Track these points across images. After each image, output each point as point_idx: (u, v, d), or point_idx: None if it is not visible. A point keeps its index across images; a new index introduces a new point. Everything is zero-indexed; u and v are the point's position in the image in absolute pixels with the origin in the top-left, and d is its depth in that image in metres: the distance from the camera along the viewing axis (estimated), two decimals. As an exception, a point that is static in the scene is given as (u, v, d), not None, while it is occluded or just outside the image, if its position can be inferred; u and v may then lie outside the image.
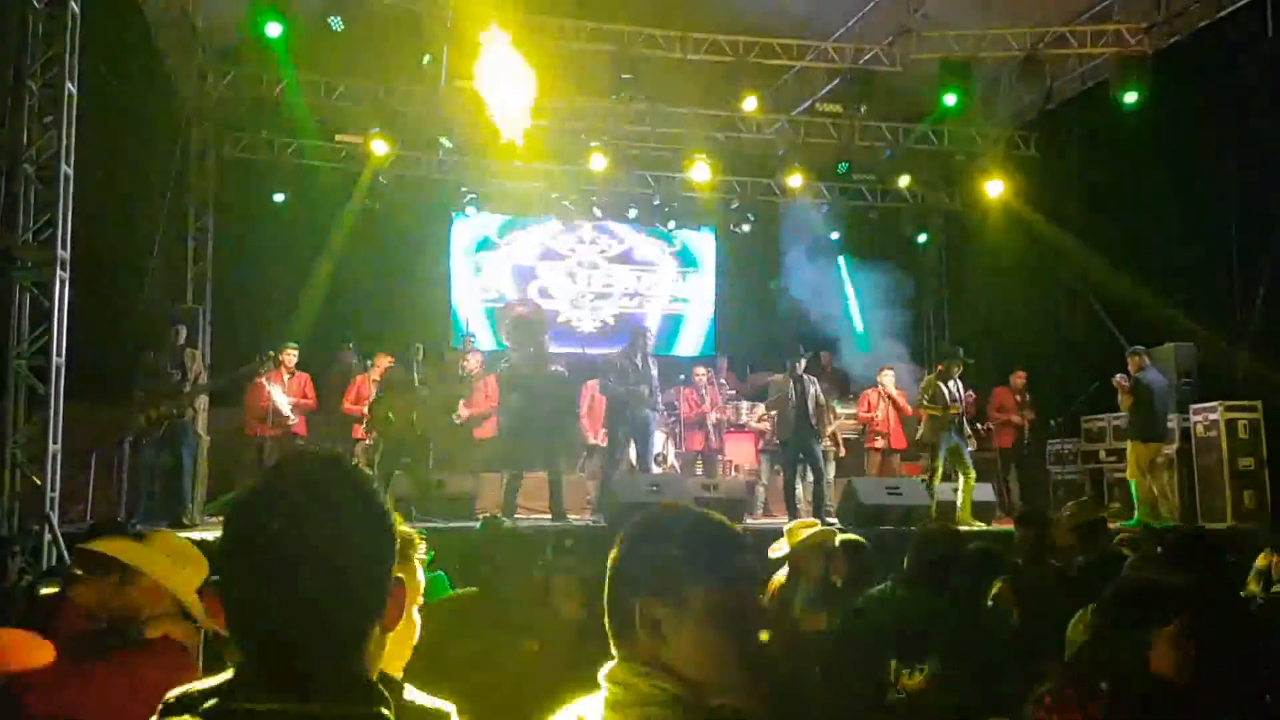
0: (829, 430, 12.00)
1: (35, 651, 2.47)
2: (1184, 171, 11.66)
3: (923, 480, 11.18)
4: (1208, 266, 11.68)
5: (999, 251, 14.36)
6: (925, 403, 11.09)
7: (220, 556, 1.34)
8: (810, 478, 10.98)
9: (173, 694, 1.36)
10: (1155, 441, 11.09)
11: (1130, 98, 11.97)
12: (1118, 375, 11.38)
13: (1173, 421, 11.54)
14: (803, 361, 10.74)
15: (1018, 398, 12.65)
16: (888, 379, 12.51)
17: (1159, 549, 4.98)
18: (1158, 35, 12.23)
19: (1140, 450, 11.05)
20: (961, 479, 10.69)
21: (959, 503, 10.58)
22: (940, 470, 10.75)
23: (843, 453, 12.81)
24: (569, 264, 16.48)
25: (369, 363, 11.99)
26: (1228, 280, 11.54)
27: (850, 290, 15.71)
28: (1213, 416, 11.25)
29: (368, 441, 11.10)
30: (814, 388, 10.72)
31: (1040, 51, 12.43)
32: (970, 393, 11.49)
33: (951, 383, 10.92)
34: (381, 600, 1.37)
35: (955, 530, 5.71)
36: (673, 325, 16.70)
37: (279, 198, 14.02)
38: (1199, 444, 11.35)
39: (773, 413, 11.49)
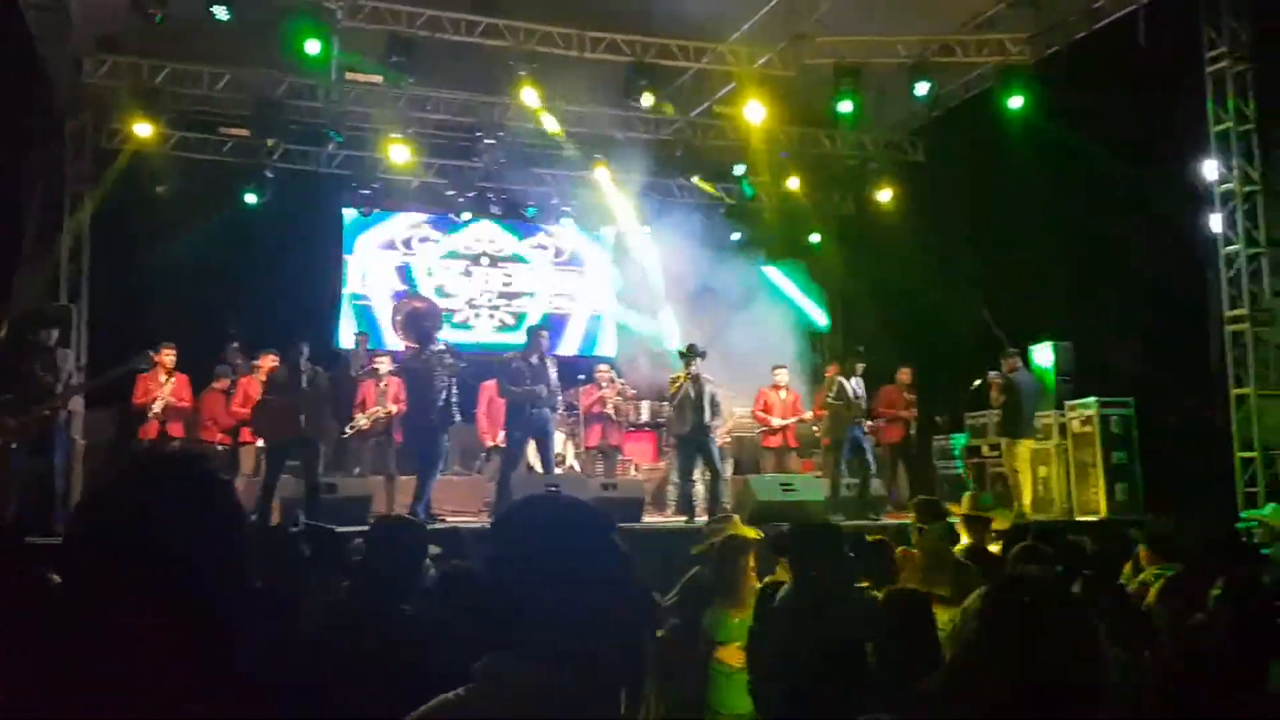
0: (724, 428, 12.12)
1: None
2: (1064, 176, 12.12)
3: (817, 476, 11.39)
4: (1083, 267, 12.14)
5: (889, 253, 14.71)
6: (829, 400, 11.33)
7: (67, 557, 1.30)
8: (707, 475, 11.07)
9: None
10: (1024, 438, 11.65)
11: (1014, 104, 12.39)
12: (991, 374, 11.89)
13: (1050, 418, 12.04)
14: (700, 359, 10.82)
15: (905, 394, 12.96)
16: (781, 376, 12.69)
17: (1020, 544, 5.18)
18: (1039, 45, 12.67)
19: (1011, 446, 11.64)
20: (860, 474, 10.96)
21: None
22: (842, 466, 10.97)
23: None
24: (465, 262, 16.31)
25: (254, 363, 11.65)
26: (1102, 280, 12.01)
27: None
28: (1088, 412, 11.73)
29: (257, 444, 10.81)
30: (710, 386, 10.81)
31: (928, 59, 12.75)
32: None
33: (853, 380, 11.15)
34: (231, 607, 1.32)
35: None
36: (579, 325, 16.69)
37: (159, 190, 13.52)
38: (1075, 439, 11.83)
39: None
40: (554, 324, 15.81)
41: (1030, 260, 12.71)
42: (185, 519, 1.30)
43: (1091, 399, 11.78)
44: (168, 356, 10.99)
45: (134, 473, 1.36)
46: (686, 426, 10.70)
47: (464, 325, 15.82)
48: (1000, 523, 7.22)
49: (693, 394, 10.65)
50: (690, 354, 10.87)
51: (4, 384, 8.97)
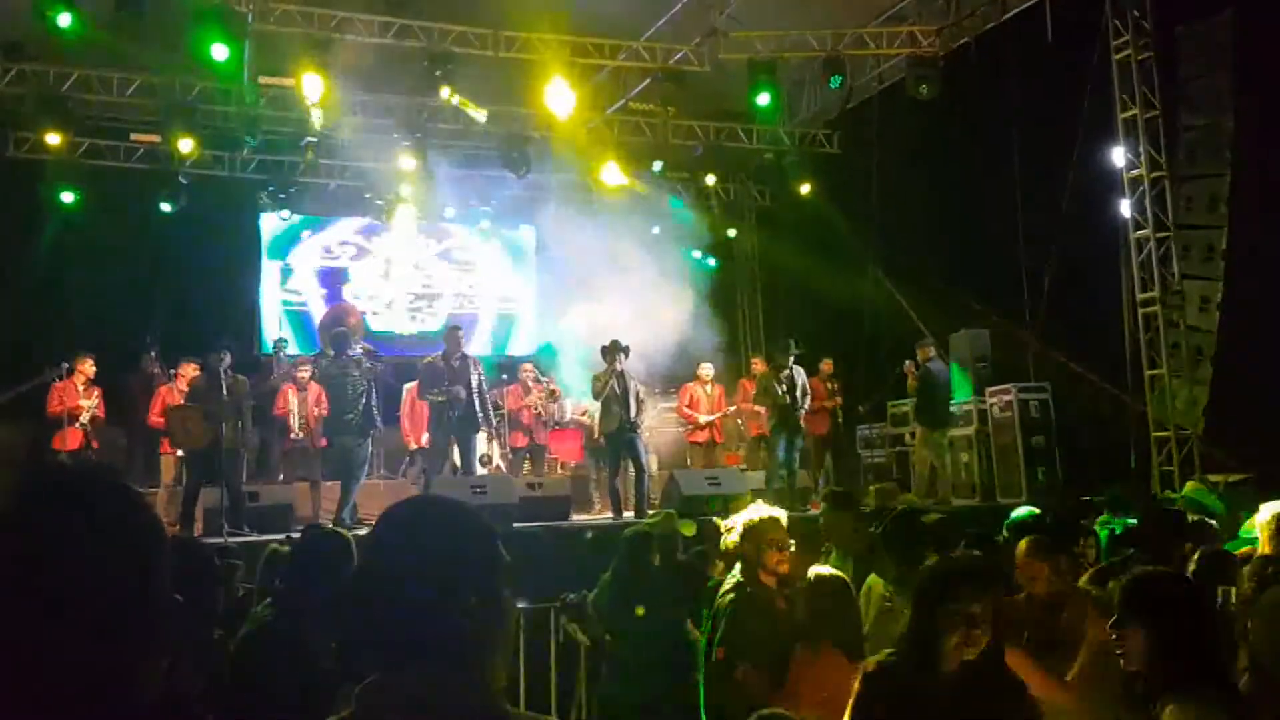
0: (646, 424, 12.19)
1: None
2: (974, 166, 12.38)
3: (741, 469, 11.50)
4: (998, 256, 12.41)
5: (807, 245, 14.90)
6: (759, 397, 11.46)
7: None
8: (632, 472, 11.12)
9: None
10: (940, 427, 11.90)
11: (922, 93, 12.61)
12: (906, 363, 12.14)
13: (970, 404, 12.31)
14: (623, 356, 10.85)
15: (827, 385, 13.13)
16: (706, 372, 12.79)
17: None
18: (948, 37, 12.91)
19: (926, 434, 11.90)
20: (788, 466, 11.10)
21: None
22: (779, 459, 11.09)
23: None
24: (383, 264, 16.17)
25: (172, 371, 11.43)
26: (1016, 269, 12.28)
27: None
28: (1006, 398, 11.99)
29: (177, 454, 10.63)
30: (634, 382, 10.86)
31: (840, 52, 12.92)
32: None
33: (785, 373, 11.25)
34: (144, 624, 1.31)
35: None
36: (501, 324, 16.65)
37: (68, 198, 13.21)
38: (995, 424, 12.09)
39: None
40: (468, 324, 15.79)
41: (947, 248, 12.97)
42: (99, 534, 1.28)
43: (1009, 385, 12.04)
44: (88, 367, 10.75)
45: (45, 487, 1.33)
46: (614, 423, 10.73)
47: (384, 331, 15.68)
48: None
49: (618, 390, 10.69)
50: (614, 350, 10.88)
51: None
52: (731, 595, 4.30)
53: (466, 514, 1.68)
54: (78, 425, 10.65)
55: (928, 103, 12.59)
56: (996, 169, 12.13)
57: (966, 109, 12.43)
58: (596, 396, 10.95)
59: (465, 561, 1.58)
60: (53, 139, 12.27)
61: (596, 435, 13.04)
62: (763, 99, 12.69)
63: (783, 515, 4.47)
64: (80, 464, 10.54)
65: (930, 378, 12.00)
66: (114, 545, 1.30)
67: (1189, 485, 9.15)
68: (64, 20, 10.23)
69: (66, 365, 10.35)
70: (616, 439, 10.75)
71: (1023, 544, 4.38)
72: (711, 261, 16.14)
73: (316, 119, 12.65)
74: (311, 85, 11.73)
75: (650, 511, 9.77)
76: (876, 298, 13.83)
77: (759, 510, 4.43)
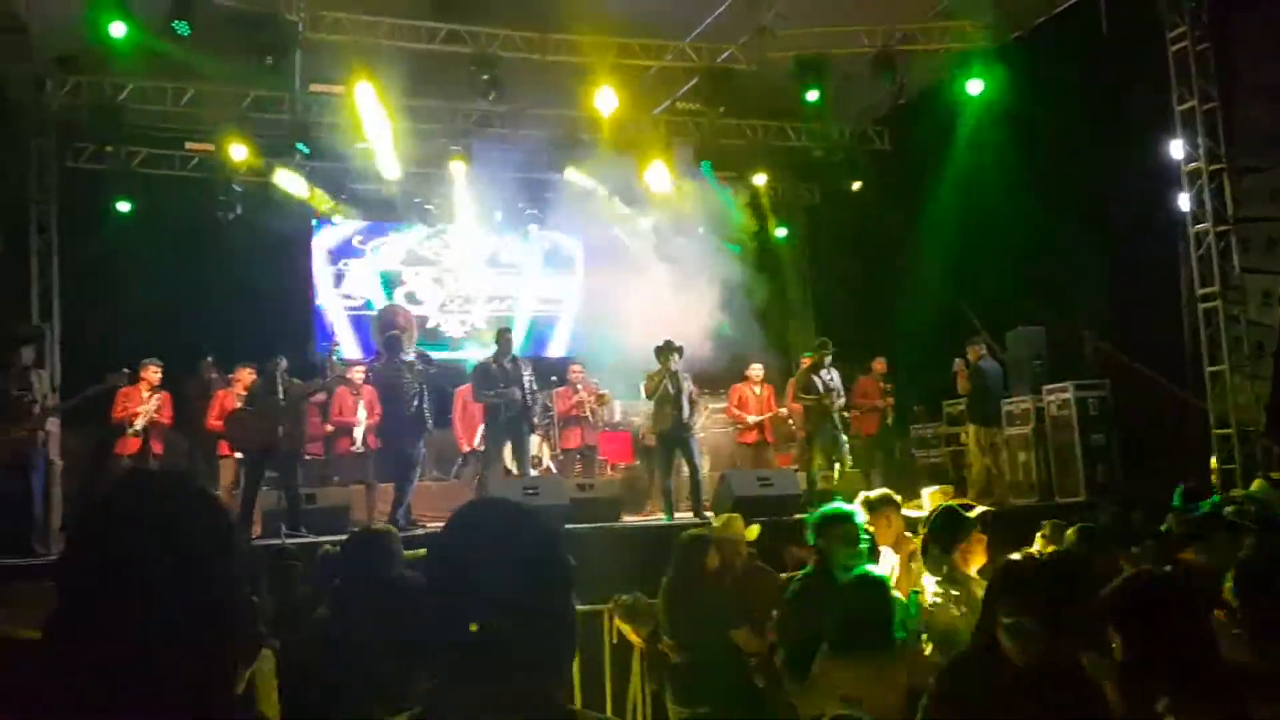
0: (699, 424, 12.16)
1: None
2: (1029, 161, 12.18)
3: (794, 470, 11.43)
4: (1055, 251, 12.22)
5: (857, 242, 14.78)
6: (799, 395, 11.38)
7: (60, 574, 1.30)
8: (685, 472, 11.10)
9: None
10: (991, 426, 11.75)
11: (975, 89, 12.46)
12: (957, 361, 12.01)
13: (1026, 403, 12.12)
14: (677, 356, 10.83)
15: (879, 384, 13.02)
16: (756, 372, 12.72)
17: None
18: (1000, 30, 12.74)
19: (979, 433, 11.76)
20: (838, 467, 10.99)
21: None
22: (817, 460, 11.00)
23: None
24: (435, 269, 16.30)
25: (230, 376, 11.61)
26: (1073, 264, 12.09)
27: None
28: (1064, 396, 11.80)
29: (235, 457, 10.78)
30: (688, 382, 10.83)
31: (891, 47, 12.80)
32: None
33: (823, 372, 11.17)
34: (228, 622, 1.32)
35: None
36: (546, 327, 16.68)
37: (124, 207, 13.46)
38: (1052, 423, 11.90)
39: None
40: (539, 327, 15.88)
41: (1001, 245, 12.80)
42: (180, 536, 1.30)
43: (1067, 382, 11.86)
44: (153, 373, 10.92)
45: (128, 490, 1.36)
46: (667, 423, 10.71)
47: (436, 331, 15.80)
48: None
49: (671, 390, 10.66)
50: (668, 350, 10.87)
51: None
52: (795, 587, 4.32)
53: (535, 520, 1.68)
54: (137, 430, 10.83)
55: (980, 98, 12.44)
56: (1052, 164, 11.94)
57: (1020, 103, 12.25)
58: (649, 396, 10.93)
59: (533, 567, 1.58)
60: (109, 149, 12.55)
61: (642, 436, 13.07)
62: (808, 96, 12.64)
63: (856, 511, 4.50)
64: (164, 468, 10.73)
65: (981, 376, 11.87)
66: (197, 546, 1.32)
67: (1256, 483, 8.95)
68: (117, 30, 10.43)
69: (129, 371, 10.52)
70: (670, 439, 10.72)
71: None
72: (762, 261, 16.04)
73: (367, 124, 12.80)
74: (363, 92, 11.88)
75: (707, 513, 9.75)
76: (929, 295, 13.66)
77: (836, 505, 4.47)
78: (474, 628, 1.52)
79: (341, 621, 3.97)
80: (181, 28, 10.66)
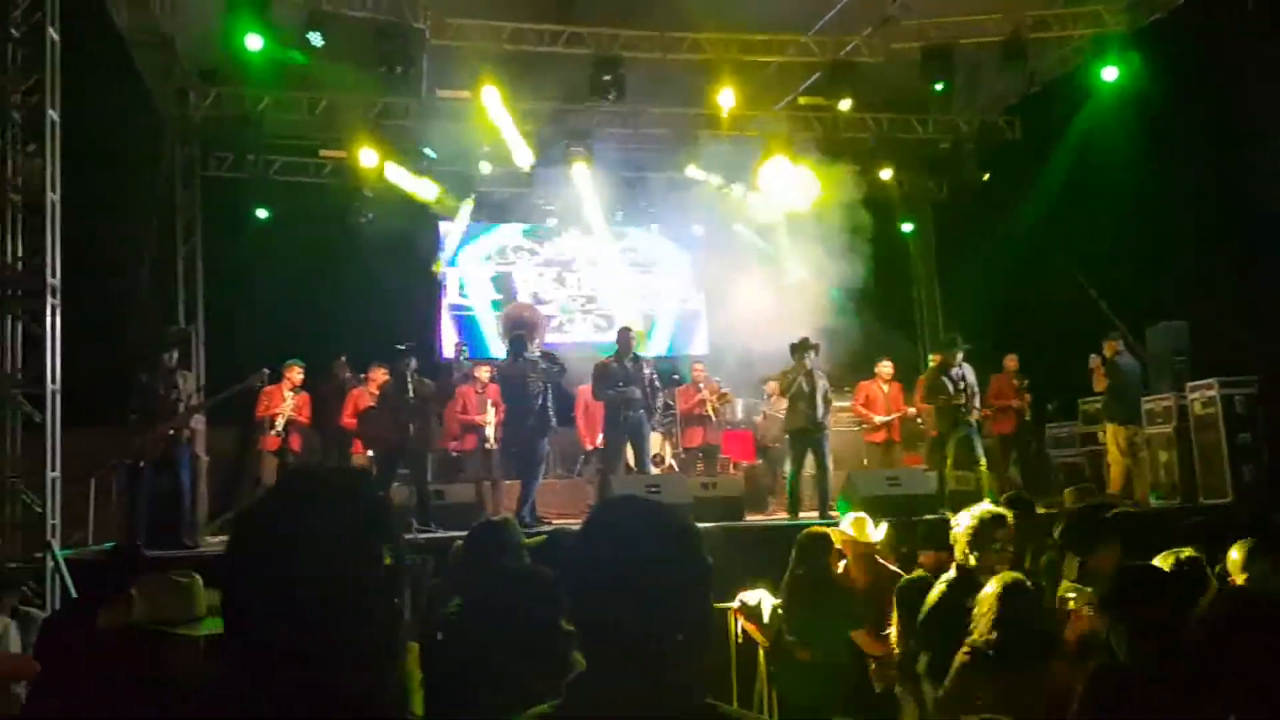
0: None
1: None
2: (1170, 148, 11.69)
3: (923, 470, 11.20)
4: (1197, 242, 11.70)
5: (988, 236, 14.40)
6: (927, 395, 11.14)
7: (224, 568, 1.33)
8: (812, 470, 10.97)
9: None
10: (1130, 424, 11.30)
11: (1110, 75, 12.03)
12: (1092, 357, 11.57)
13: (1169, 400, 11.63)
14: (813, 354, 10.73)
15: (1013, 382, 12.66)
16: (885, 370, 12.51)
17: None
18: (1138, 13, 12.26)
19: (1117, 432, 11.31)
20: (970, 467, 10.73)
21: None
22: (950, 461, 10.76)
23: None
24: (558, 269, 16.47)
25: (363, 376, 11.95)
26: (1218, 256, 11.56)
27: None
28: (1210, 393, 11.27)
29: (368, 454, 11.08)
30: (823, 380, 10.71)
31: (1021, 34, 12.44)
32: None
33: (954, 371, 10.90)
34: (390, 617, 1.35)
35: None
36: (671, 325, 16.70)
37: (262, 214, 13.98)
38: (1197, 421, 11.38)
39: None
40: (637, 324, 15.87)
41: (1140, 238, 12.31)
42: (342, 531, 1.34)
43: (1212, 379, 11.33)
44: (295, 374, 11.31)
45: (297, 487, 1.40)
46: (800, 421, 10.61)
47: (559, 330, 15.96)
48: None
49: (806, 388, 10.56)
50: (803, 347, 10.77)
51: (131, 405, 9.39)
52: (940, 591, 4.25)
53: (675, 517, 1.69)
54: (279, 429, 11.23)
55: (1115, 84, 11.99)
56: (1193, 151, 11.43)
57: (1159, 88, 11.76)
58: (784, 393, 10.82)
59: (674, 563, 1.59)
60: (249, 158, 13.07)
61: (762, 435, 12.97)
62: (937, 87, 12.39)
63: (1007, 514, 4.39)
64: (334, 467, 11.11)
65: (1119, 373, 11.43)
66: (361, 538, 1.34)
67: None
68: (254, 43, 10.83)
69: (270, 371, 10.91)
70: (802, 437, 10.61)
71: None
72: (888, 257, 15.75)
73: (490, 128, 13.03)
74: (488, 96, 12.08)
75: (833, 513, 9.64)
76: (1064, 290, 13.23)
77: (979, 509, 4.34)
78: (614, 622, 1.54)
79: (469, 614, 4.03)
80: (315, 39, 11.05)
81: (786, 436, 11.07)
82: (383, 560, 1.36)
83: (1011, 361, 12.73)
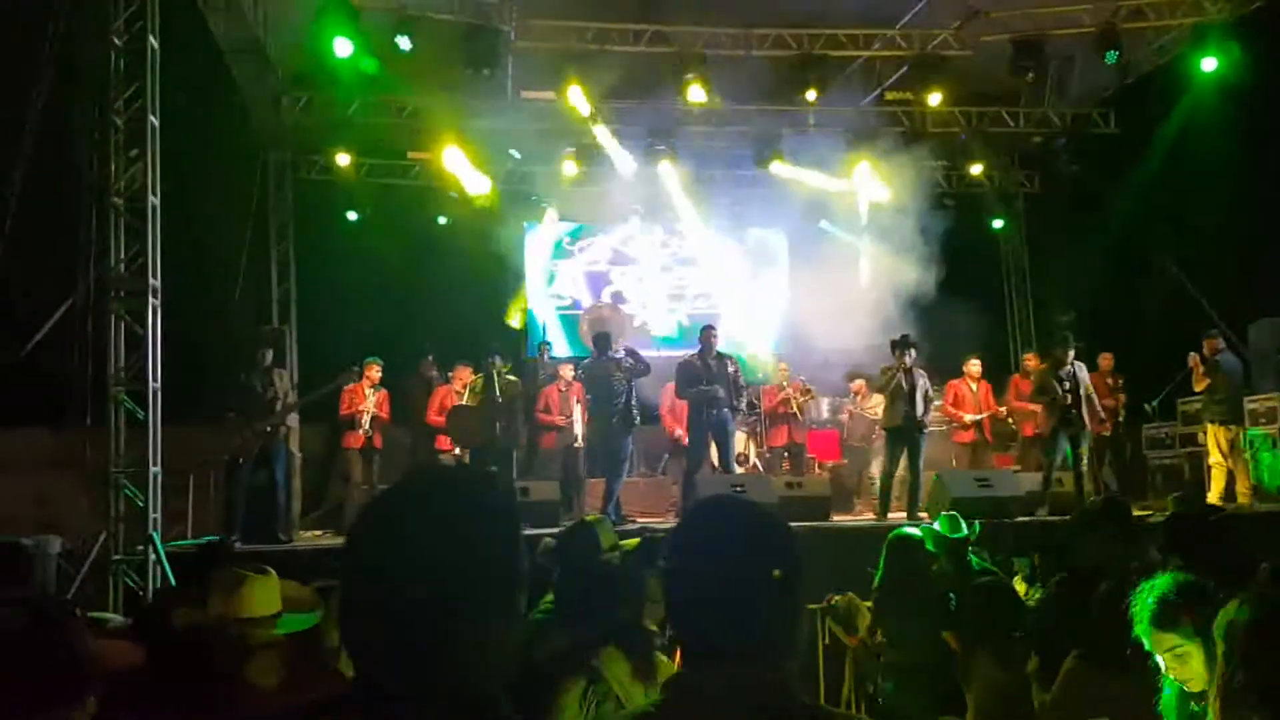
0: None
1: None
2: (1271, 140, 11.28)
3: (1014, 470, 10.99)
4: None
5: (1081, 233, 14.06)
6: (1034, 396, 10.92)
7: (345, 565, 1.35)
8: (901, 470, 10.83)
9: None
10: (1231, 424, 10.93)
11: (1209, 66, 11.66)
12: (1191, 355, 11.22)
13: (1273, 400, 11.23)
14: (913, 352, 10.60)
15: (1108, 381, 12.34)
16: (974, 368, 12.29)
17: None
18: (1238, 1, 11.86)
19: (1218, 433, 10.96)
20: (1074, 468, 10.50)
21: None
22: (1057, 462, 10.54)
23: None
24: (641, 267, 16.49)
25: (449, 374, 12.12)
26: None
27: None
28: (1318, 393, 10.87)
29: (455, 452, 11.22)
30: (923, 379, 10.57)
31: (1115, 25, 12.12)
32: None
33: (1065, 370, 10.65)
34: (510, 613, 1.36)
35: None
36: (749, 323, 16.59)
37: (352, 216, 14.25)
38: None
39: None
40: (717, 322, 15.81)
41: (1240, 232, 11.91)
42: (469, 528, 1.34)
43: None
44: (374, 371, 11.52)
45: (425, 484, 1.41)
46: (899, 419, 10.49)
47: (643, 329, 15.97)
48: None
49: (905, 386, 10.43)
50: (903, 345, 10.65)
51: (229, 402, 9.67)
52: (1051, 591, 4.17)
53: (769, 517, 1.69)
54: (365, 426, 11.43)
55: (1214, 75, 11.62)
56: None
57: (1259, 80, 11.35)
58: (882, 391, 10.70)
59: (769, 563, 1.59)
60: (342, 160, 13.35)
61: (846, 435, 12.83)
62: (1028, 79, 12.15)
63: None
64: (463, 466, 11.31)
65: (1220, 372, 11.05)
66: (493, 531, 1.35)
67: None
68: (343, 48, 11.04)
69: (357, 369, 11.13)
70: (899, 436, 10.48)
71: None
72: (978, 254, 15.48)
73: (575, 128, 13.11)
74: (575, 97, 12.15)
75: (922, 514, 9.52)
76: (1161, 286, 12.86)
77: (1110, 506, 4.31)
78: (712, 622, 1.54)
79: (560, 612, 4.06)
80: (403, 43, 11.24)
81: (884, 434, 10.94)
82: (514, 559, 1.37)
83: (1106, 360, 12.42)
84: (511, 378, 10.72)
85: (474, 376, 11.03)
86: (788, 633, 1.59)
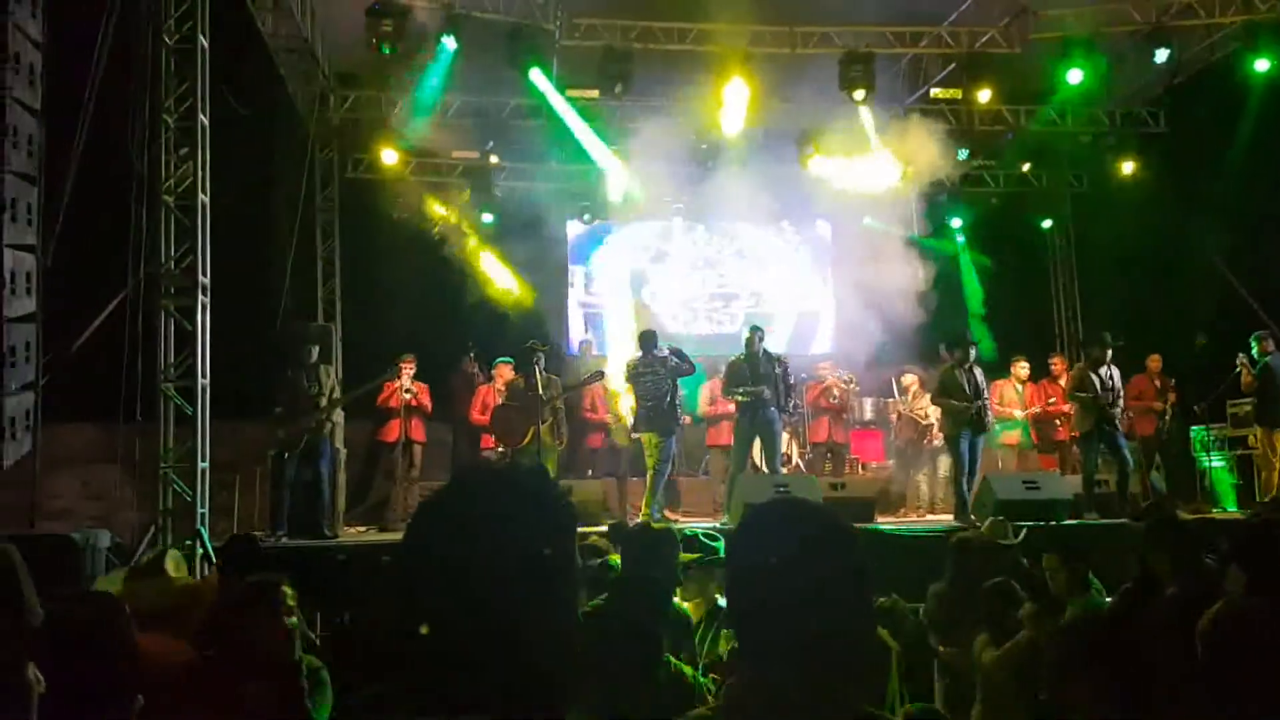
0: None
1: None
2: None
3: (1060, 473, 10.86)
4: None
5: (1130, 233, 13.87)
6: (1072, 393, 10.79)
7: (405, 563, 1.35)
8: (942, 472, 10.74)
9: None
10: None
11: (1262, 66, 11.47)
12: (1240, 357, 11.03)
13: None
14: (973, 350, 10.50)
15: (1156, 383, 12.17)
16: (1022, 370, 12.15)
17: None
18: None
19: (1267, 436, 10.77)
20: (1117, 470, 10.38)
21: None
22: (1096, 463, 10.41)
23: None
24: (682, 266, 16.44)
25: (491, 372, 12.17)
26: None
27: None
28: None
29: (499, 450, 11.26)
30: (982, 379, 10.48)
31: (1165, 22, 11.94)
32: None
33: (1102, 369, 10.53)
34: (569, 607, 1.35)
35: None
36: (798, 323, 16.52)
37: (399, 216, 14.34)
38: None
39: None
40: (764, 322, 15.74)
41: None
42: (524, 527, 1.34)
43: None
44: (408, 365, 11.63)
45: (481, 481, 1.42)
46: (963, 420, 10.41)
47: (684, 329, 15.92)
48: None
49: (968, 386, 10.35)
50: (965, 344, 10.57)
51: (276, 399, 9.78)
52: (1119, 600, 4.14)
53: (831, 518, 1.67)
54: (398, 418, 11.54)
55: (1268, 74, 11.41)
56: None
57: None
58: (945, 394, 10.60)
59: (831, 566, 1.57)
60: (389, 158, 13.44)
61: (894, 436, 12.72)
62: (1075, 77, 11.99)
63: None
64: (518, 464, 11.35)
65: (1270, 374, 10.85)
66: (544, 527, 1.35)
67: None
68: (390, 49, 11.11)
69: (396, 367, 11.25)
70: (963, 437, 10.42)
71: None
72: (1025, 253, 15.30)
73: (617, 127, 13.09)
74: (614, 96, 12.15)
75: (973, 518, 9.44)
76: (1211, 287, 12.64)
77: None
78: (775, 628, 1.53)
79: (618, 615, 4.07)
80: (449, 43, 11.30)
81: (946, 437, 10.84)
82: (569, 561, 1.36)
83: (1155, 361, 12.25)
84: (554, 376, 10.74)
85: (515, 375, 11.08)
86: (851, 638, 1.57)
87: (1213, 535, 5.15)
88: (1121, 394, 10.67)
